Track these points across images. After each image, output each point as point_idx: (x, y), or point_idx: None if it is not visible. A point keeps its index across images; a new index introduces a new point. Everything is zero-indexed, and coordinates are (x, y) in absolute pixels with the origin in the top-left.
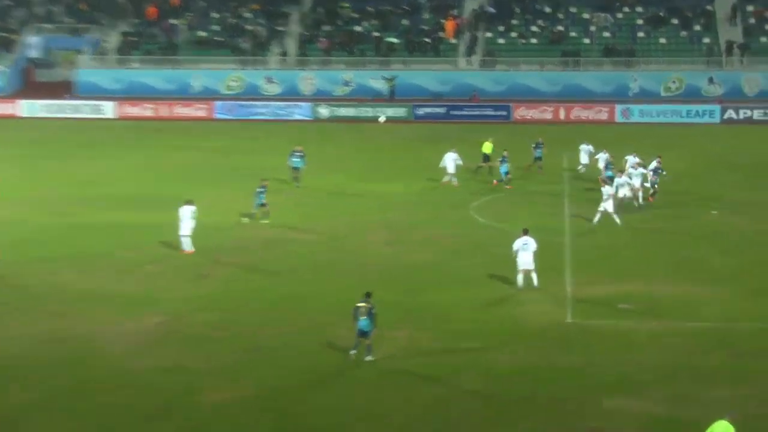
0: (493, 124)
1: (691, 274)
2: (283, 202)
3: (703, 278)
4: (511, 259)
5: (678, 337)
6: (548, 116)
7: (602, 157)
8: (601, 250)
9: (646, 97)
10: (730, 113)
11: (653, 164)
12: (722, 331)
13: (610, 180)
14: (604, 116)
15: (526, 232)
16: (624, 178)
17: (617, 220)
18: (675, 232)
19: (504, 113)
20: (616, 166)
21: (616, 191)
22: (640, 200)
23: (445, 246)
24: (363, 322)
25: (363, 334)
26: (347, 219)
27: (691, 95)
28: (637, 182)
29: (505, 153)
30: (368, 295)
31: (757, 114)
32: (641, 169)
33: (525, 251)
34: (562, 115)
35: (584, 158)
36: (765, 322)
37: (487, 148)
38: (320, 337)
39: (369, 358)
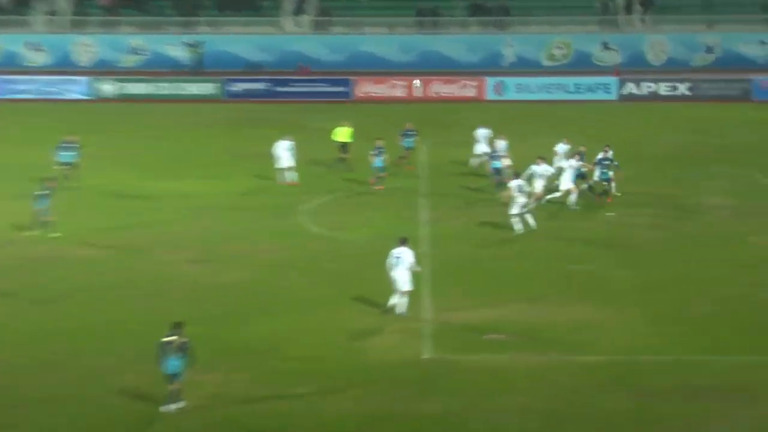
0: (329, 103)
1: (583, 294)
2: (52, 208)
3: (598, 299)
4: (357, 277)
5: (567, 374)
6: (399, 93)
7: (501, 145)
8: (471, 265)
9: (525, 67)
10: (630, 87)
11: (599, 155)
12: (622, 366)
13: (496, 172)
14: (471, 92)
15: (402, 242)
16: (544, 167)
17: (516, 227)
18: (564, 239)
19: (343, 89)
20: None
21: (528, 185)
22: (573, 201)
23: (268, 262)
24: (173, 362)
25: (173, 377)
26: (140, 229)
27: (581, 65)
28: (568, 178)
29: (380, 143)
30: (178, 326)
31: (664, 88)
32: (576, 161)
33: (398, 267)
34: (417, 91)
35: (481, 147)
36: (674, 354)
37: (344, 134)
38: (102, 385)
39: (172, 407)
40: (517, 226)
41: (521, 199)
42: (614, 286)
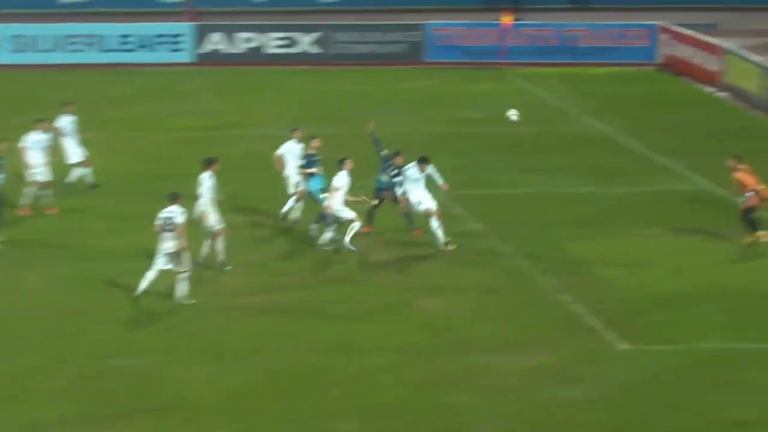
0: None
1: (134, 411)
2: None
3: (164, 418)
4: None
5: None
6: None
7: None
8: None
9: (30, 7)
10: (215, 41)
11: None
12: None
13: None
14: None
15: None
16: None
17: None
18: (87, 315)
19: None
20: None
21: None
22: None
23: None
24: None
25: None
26: None
27: (130, 2)
28: (338, 194)
29: None
30: None
31: (274, 42)
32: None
33: None
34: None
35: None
36: None
37: None
38: None
39: None
40: (181, 290)
41: (169, 243)
42: (192, 396)
